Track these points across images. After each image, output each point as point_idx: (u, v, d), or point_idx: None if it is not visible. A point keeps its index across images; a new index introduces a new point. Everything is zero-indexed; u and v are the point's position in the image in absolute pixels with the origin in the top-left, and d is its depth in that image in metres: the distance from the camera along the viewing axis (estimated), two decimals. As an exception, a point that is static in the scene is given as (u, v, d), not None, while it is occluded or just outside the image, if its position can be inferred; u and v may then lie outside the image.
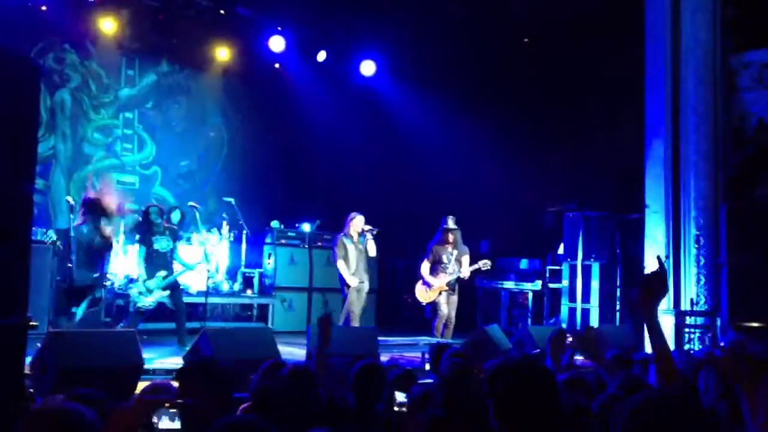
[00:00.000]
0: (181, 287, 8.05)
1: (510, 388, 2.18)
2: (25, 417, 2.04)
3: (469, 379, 3.75)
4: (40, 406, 2.16)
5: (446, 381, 3.77)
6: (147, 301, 7.68)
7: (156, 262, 7.77)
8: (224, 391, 3.04)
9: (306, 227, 11.03)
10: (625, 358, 4.33)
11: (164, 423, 1.81)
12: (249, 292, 10.38)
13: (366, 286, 8.53)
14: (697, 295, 8.47)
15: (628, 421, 1.78)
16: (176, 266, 7.97)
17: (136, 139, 11.48)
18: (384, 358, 6.67)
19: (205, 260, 8.71)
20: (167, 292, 7.77)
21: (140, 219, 8.27)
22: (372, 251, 8.57)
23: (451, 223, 8.73)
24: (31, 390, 4.52)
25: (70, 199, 8.18)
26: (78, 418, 2.02)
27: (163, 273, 7.74)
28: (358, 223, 8.53)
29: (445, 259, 8.63)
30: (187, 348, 6.89)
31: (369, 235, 8.47)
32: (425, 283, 8.68)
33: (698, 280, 8.63)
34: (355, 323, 8.26)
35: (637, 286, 2.58)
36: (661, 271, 2.56)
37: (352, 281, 8.30)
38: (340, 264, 8.37)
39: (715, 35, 8.77)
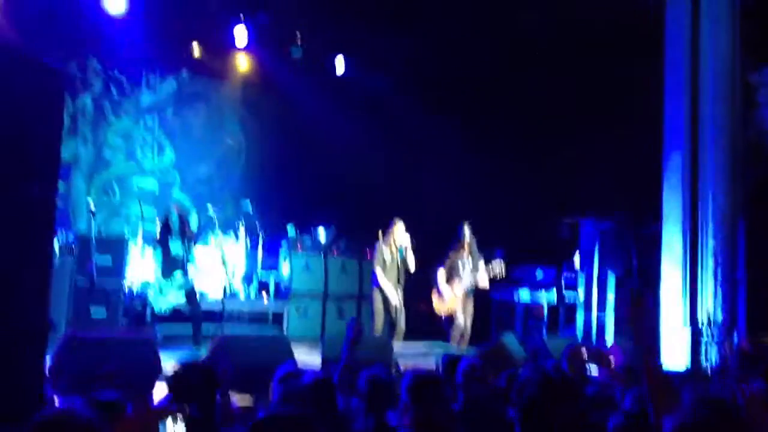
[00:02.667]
0: (198, 292, 8.06)
1: (539, 400, 2.20)
2: (30, 424, 2.06)
3: (484, 388, 3.76)
4: (44, 413, 2.19)
5: (461, 389, 3.78)
6: (162, 305, 7.71)
7: (172, 265, 7.78)
8: (214, 393, 3.08)
9: (321, 232, 11.07)
10: (634, 372, 4.31)
11: (169, 429, 1.85)
12: (265, 296, 10.43)
13: (400, 298, 8.44)
14: (714, 309, 8.42)
15: None
16: (191, 271, 7.96)
17: (156, 144, 11.60)
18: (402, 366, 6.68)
19: (223, 264, 8.75)
20: (182, 295, 7.77)
21: (160, 223, 8.32)
22: (411, 265, 8.48)
23: (467, 231, 8.73)
24: (51, 392, 4.58)
25: (91, 202, 8.28)
26: (86, 423, 2.05)
27: (179, 275, 7.76)
28: (399, 230, 8.43)
29: (460, 267, 8.64)
30: (202, 350, 6.95)
31: (408, 249, 8.37)
32: (440, 292, 8.68)
33: (715, 294, 8.58)
34: (377, 332, 8.25)
35: (629, 306, 2.62)
36: (641, 298, 2.60)
37: (387, 288, 8.22)
38: (378, 270, 8.32)
39: (734, 50, 8.75)
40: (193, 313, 7.82)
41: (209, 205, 9.48)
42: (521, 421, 2.24)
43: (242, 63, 11.92)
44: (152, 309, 7.84)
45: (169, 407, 1.85)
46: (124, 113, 11.30)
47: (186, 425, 1.85)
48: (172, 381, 3.09)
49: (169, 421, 1.85)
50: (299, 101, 12.28)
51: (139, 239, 9.56)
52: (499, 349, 6.87)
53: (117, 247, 8.64)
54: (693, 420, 1.97)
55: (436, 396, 3.20)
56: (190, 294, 7.83)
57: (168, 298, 7.70)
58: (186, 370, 3.22)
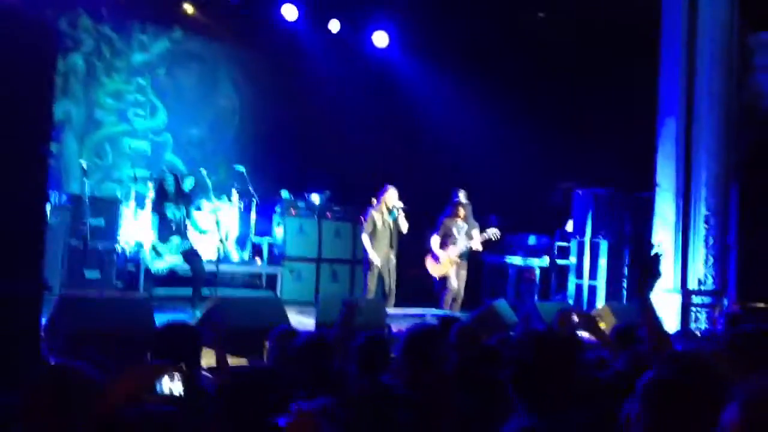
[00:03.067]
0: (199, 255, 7.99)
1: (534, 356, 2.22)
2: (31, 378, 2.08)
3: (477, 349, 3.78)
4: (43, 370, 2.20)
5: (455, 349, 3.81)
6: (158, 266, 7.70)
7: (168, 228, 7.75)
8: (198, 353, 3.10)
9: (315, 198, 11.06)
10: (629, 333, 4.36)
11: (167, 387, 1.85)
12: (258, 260, 10.44)
13: (393, 262, 8.51)
14: (705, 275, 8.50)
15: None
16: (190, 232, 7.96)
17: (149, 105, 11.49)
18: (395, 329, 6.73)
19: (216, 228, 8.73)
20: (179, 258, 7.75)
21: (155, 187, 8.28)
22: (404, 227, 8.53)
23: (462, 196, 8.74)
24: (46, 353, 4.59)
25: (83, 163, 8.22)
26: (81, 376, 2.07)
27: (176, 239, 7.73)
28: (391, 196, 8.45)
29: (455, 232, 8.66)
30: (198, 312, 6.97)
31: (400, 211, 8.41)
32: (434, 256, 8.71)
33: (706, 260, 8.64)
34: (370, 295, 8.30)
35: (637, 266, 2.66)
36: (656, 257, 2.63)
37: (374, 258, 8.28)
38: (365, 238, 8.36)
39: (732, 14, 8.69)
40: (196, 274, 7.76)
41: (202, 170, 9.41)
42: (513, 382, 2.25)
43: (237, 23, 11.74)
44: (147, 270, 7.82)
45: (166, 364, 1.86)
46: (116, 72, 11.15)
47: (183, 383, 1.85)
48: (157, 340, 3.10)
49: (165, 378, 1.85)
50: (294, 63, 12.16)
51: (132, 201, 9.53)
52: (490, 313, 6.92)
53: (110, 209, 8.62)
54: (663, 375, 2.02)
55: (433, 349, 3.22)
56: (191, 255, 7.79)
57: (165, 260, 7.69)
58: (170, 329, 3.23)
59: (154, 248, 7.67)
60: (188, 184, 9.25)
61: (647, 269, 2.50)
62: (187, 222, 7.92)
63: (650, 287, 2.53)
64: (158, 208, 7.81)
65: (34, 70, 3.69)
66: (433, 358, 3.21)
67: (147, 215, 8.49)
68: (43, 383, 2.06)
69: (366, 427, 2.75)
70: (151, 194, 9.07)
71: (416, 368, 3.16)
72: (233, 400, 1.84)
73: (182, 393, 1.85)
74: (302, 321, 7.46)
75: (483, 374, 3.48)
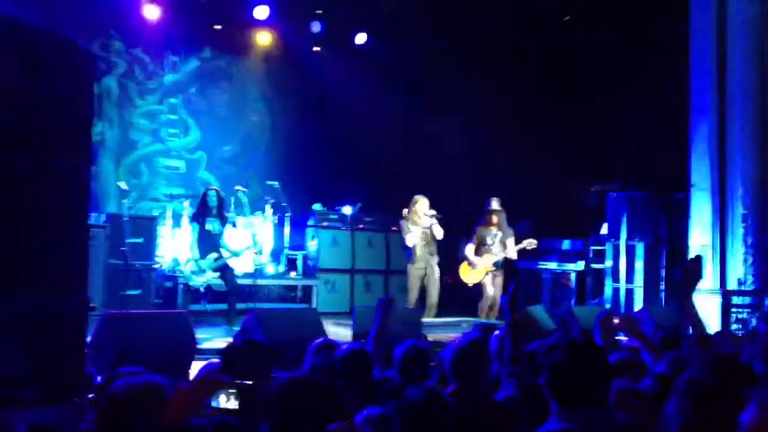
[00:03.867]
0: (231, 268, 8.11)
1: (564, 362, 2.26)
2: (103, 391, 2.15)
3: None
4: (118, 380, 2.27)
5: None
6: (199, 281, 7.82)
7: (207, 243, 7.86)
8: (268, 370, 3.14)
9: (347, 209, 11.13)
10: (673, 338, 4.33)
11: (222, 403, 1.88)
12: (293, 273, 10.53)
13: (436, 271, 8.53)
14: (744, 275, 8.38)
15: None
16: (223, 251, 8.08)
17: (182, 124, 11.68)
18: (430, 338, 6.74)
19: (253, 244, 8.86)
20: (217, 274, 7.86)
21: (198, 201, 8.39)
22: (438, 234, 8.55)
23: (495, 204, 8.73)
24: (91, 370, 4.68)
25: (122, 184, 8.39)
26: (159, 389, 2.14)
27: (214, 255, 7.83)
28: (421, 206, 8.48)
29: (489, 240, 8.65)
30: (236, 328, 7.05)
31: (434, 219, 8.44)
32: (470, 263, 8.70)
33: (745, 260, 8.52)
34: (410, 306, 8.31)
35: (681, 270, 2.68)
36: (698, 259, 2.64)
37: (410, 238, 8.30)
38: (408, 238, 8.40)
39: (764, 10, 8.58)
40: (231, 290, 7.88)
41: (239, 187, 9.53)
42: (548, 386, 2.30)
43: (264, 38, 11.92)
44: (185, 286, 7.94)
45: (223, 380, 1.89)
46: (149, 94, 11.36)
47: (239, 401, 1.89)
48: (226, 356, 3.14)
49: (222, 395, 1.89)
50: (322, 76, 12.26)
51: (169, 219, 9.68)
52: (526, 319, 6.88)
53: (148, 228, 8.76)
54: (699, 376, 2.06)
55: (480, 361, 3.25)
56: (224, 269, 7.90)
57: (203, 275, 7.80)
58: (242, 345, 3.28)
59: (196, 263, 7.79)
60: (230, 204, 9.41)
61: (689, 272, 2.52)
62: (221, 239, 8.04)
63: (692, 290, 2.55)
64: (199, 219, 7.93)
65: (77, 93, 3.78)
66: (478, 369, 3.24)
67: (186, 228, 8.60)
68: (120, 397, 2.14)
69: None
70: (186, 212, 9.20)
71: (464, 379, 3.20)
72: (285, 411, 1.88)
73: (238, 408, 1.89)
74: (338, 332, 7.50)
75: (525, 380, 3.49)
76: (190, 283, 7.86)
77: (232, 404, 1.89)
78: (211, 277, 7.89)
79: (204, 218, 7.90)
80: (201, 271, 7.79)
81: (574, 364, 2.28)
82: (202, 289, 7.96)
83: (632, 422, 2.48)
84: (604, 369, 2.33)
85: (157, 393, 2.12)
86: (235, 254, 8.32)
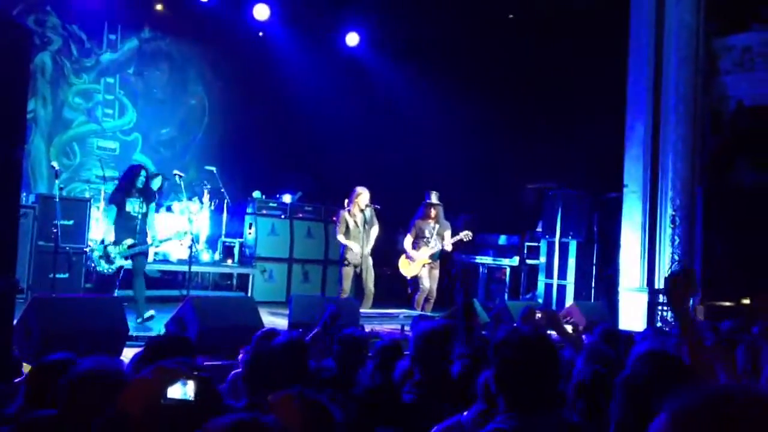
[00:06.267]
0: (144, 257, 7.43)
1: (519, 357, 2.25)
2: (67, 377, 2.13)
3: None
4: (81, 365, 2.24)
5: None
6: (106, 267, 7.11)
7: (126, 225, 7.17)
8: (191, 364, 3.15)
9: (287, 198, 11.06)
10: (614, 334, 4.46)
11: (176, 393, 1.85)
12: (229, 261, 10.40)
13: (369, 262, 8.51)
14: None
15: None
16: (149, 235, 7.40)
17: (117, 104, 11.38)
18: (368, 329, 6.75)
19: (189, 226, 8.54)
20: (128, 262, 7.16)
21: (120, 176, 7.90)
22: (375, 229, 8.56)
23: (434, 198, 8.80)
24: (18, 354, 4.54)
25: (55, 164, 8.09)
26: (119, 374, 2.13)
27: (129, 241, 7.13)
28: (363, 198, 8.44)
29: (427, 233, 8.71)
30: (143, 318, 6.83)
31: (374, 214, 8.43)
32: (408, 256, 8.75)
33: (672, 260, 8.82)
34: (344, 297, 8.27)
35: (666, 283, 2.68)
36: (690, 271, 2.67)
37: (354, 246, 8.25)
38: (340, 238, 8.37)
39: (698, 17, 8.87)
40: (137, 281, 7.14)
41: (175, 171, 9.30)
42: (497, 381, 2.27)
43: (207, 20, 11.66)
44: (95, 269, 7.36)
45: (180, 368, 1.86)
46: (85, 72, 11.02)
47: (196, 387, 1.86)
48: (150, 350, 3.10)
49: (179, 384, 1.85)
50: (265, 63, 12.12)
51: (101, 202, 9.43)
52: (472, 308, 6.97)
53: (79, 210, 8.50)
54: (638, 372, 2.11)
55: (447, 349, 3.33)
56: (137, 259, 7.18)
57: (112, 262, 7.09)
58: (165, 339, 3.25)
59: (105, 249, 7.11)
60: (156, 184, 9.12)
61: (677, 284, 2.51)
62: (145, 221, 7.33)
63: (685, 302, 2.54)
64: (118, 199, 7.23)
65: (9, 72, 3.66)
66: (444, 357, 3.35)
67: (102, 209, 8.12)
68: (86, 383, 2.11)
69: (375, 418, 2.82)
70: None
71: (428, 368, 3.26)
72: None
73: (194, 397, 1.86)
74: (274, 321, 7.46)
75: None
76: (98, 269, 7.15)
77: (188, 395, 1.85)
78: (121, 263, 7.14)
79: (125, 198, 7.18)
80: (109, 259, 7.07)
81: (527, 361, 2.23)
82: (110, 272, 7.11)
83: (581, 423, 2.52)
84: (557, 367, 2.31)
85: (118, 377, 2.12)
86: (159, 243, 7.81)
